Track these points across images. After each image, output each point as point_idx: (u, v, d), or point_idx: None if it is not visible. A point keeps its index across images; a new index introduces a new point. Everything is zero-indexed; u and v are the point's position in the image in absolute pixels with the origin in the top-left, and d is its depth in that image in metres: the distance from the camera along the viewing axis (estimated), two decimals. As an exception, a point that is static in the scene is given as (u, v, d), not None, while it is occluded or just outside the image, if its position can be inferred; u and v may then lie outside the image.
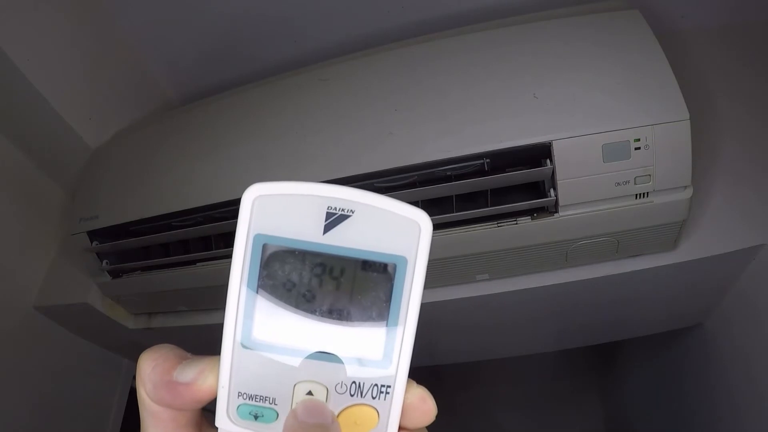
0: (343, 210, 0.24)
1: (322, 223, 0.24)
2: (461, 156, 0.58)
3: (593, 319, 0.87)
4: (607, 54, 0.59)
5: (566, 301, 0.77)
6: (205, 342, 0.90)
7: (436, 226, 0.62)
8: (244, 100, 0.74)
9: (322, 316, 0.24)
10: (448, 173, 0.60)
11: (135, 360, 1.00)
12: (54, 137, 0.81)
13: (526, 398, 1.63)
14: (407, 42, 0.70)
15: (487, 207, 0.60)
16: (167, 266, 0.74)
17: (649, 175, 0.56)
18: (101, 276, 0.78)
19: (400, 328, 0.24)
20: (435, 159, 0.58)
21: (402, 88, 0.64)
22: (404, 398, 0.24)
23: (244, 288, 0.24)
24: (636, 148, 0.55)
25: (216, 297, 0.78)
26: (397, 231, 0.24)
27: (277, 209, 0.24)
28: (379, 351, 0.24)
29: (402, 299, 0.24)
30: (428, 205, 0.61)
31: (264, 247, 0.24)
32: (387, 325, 0.24)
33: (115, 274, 0.78)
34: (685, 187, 0.58)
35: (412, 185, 0.61)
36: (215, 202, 0.65)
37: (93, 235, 0.73)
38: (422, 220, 0.24)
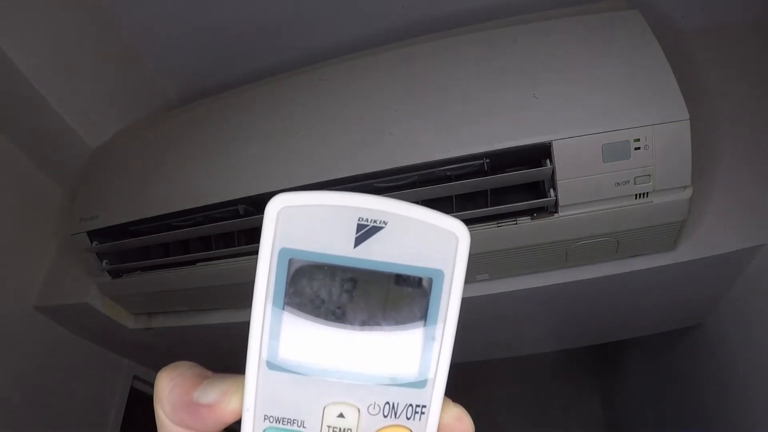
0: (375, 221, 0.23)
1: (353, 236, 0.22)
2: (461, 156, 0.58)
3: (593, 319, 0.87)
4: (607, 54, 0.59)
5: (566, 301, 0.77)
6: (205, 342, 0.90)
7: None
8: (244, 100, 0.74)
9: (352, 333, 0.23)
10: (448, 173, 0.60)
11: (135, 360, 1.00)
12: (54, 137, 0.81)
13: (526, 398, 1.63)
14: (407, 42, 0.70)
15: (487, 207, 0.60)
16: (167, 266, 0.74)
17: (649, 175, 0.56)
18: (101, 276, 0.78)
19: (436, 345, 0.23)
20: (435, 159, 0.58)
21: (402, 88, 0.64)
22: (440, 418, 0.23)
23: (270, 305, 0.23)
24: (636, 148, 0.55)
25: (216, 297, 0.78)
26: (433, 243, 0.23)
27: (303, 221, 0.23)
28: (414, 369, 0.23)
29: (438, 315, 0.23)
30: (428, 205, 0.61)
31: (290, 261, 0.23)
32: (422, 342, 0.23)
33: (115, 274, 0.78)
34: (685, 187, 0.58)
35: (412, 185, 0.61)
36: (215, 202, 0.65)
37: (93, 235, 0.73)
38: (460, 230, 0.23)
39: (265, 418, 0.23)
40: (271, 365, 0.23)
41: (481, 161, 0.58)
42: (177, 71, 0.93)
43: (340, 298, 0.23)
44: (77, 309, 0.84)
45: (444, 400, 0.23)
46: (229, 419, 0.23)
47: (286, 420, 0.23)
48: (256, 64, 0.90)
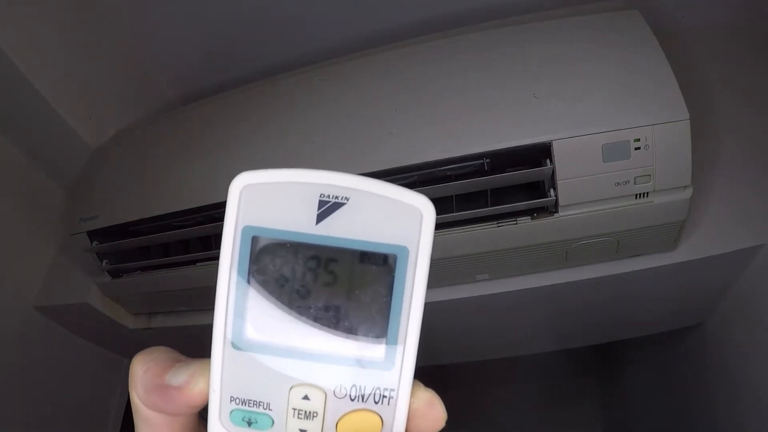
0: (337, 197, 0.22)
1: (315, 213, 0.22)
2: (461, 156, 0.58)
3: (593, 319, 0.87)
4: (607, 54, 0.59)
5: (566, 301, 0.77)
6: (205, 342, 0.90)
7: (437, 226, 0.62)
8: (244, 100, 0.74)
9: (317, 313, 0.22)
10: (448, 173, 0.60)
11: (135, 360, 0.97)
12: (54, 137, 0.81)
13: (526, 398, 1.63)
14: (407, 42, 0.70)
15: (487, 207, 0.60)
16: (167, 266, 0.74)
17: (649, 175, 0.56)
18: (101, 276, 0.78)
19: (402, 326, 0.22)
20: (435, 159, 0.58)
21: (402, 88, 0.64)
22: (410, 403, 0.23)
23: (234, 285, 0.23)
24: (636, 148, 0.55)
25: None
26: (397, 219, 0.22)
27: (266, 199, 0.22)
28: (380, 351, 0.22)
29: (404, 294, 0.22)
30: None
31: (253, 240, 0.22)
32: (389, 323, 0.22)
33: (115, 274, 0.78)
34: (685, 187, 0.58)
35: (412, 185, 0.61)
36: (215, 202, 0.66)
37: (93, 235, 0.73)
38: (424, 206, 0.22)
39: (231, 400, 0.23)
40: (236, 346, 0.23)
41: (481, 161, 0.58)
42: (177, 71, 0.93)
43: (303, 277, 0.22)
44: (77, 309, 0.84)
45: (415, 384, 0.23)
46: (198, 401, 0.23)
47: (251, 402, 0.23)
48: (256, 64, 0.90)
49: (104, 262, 0.75)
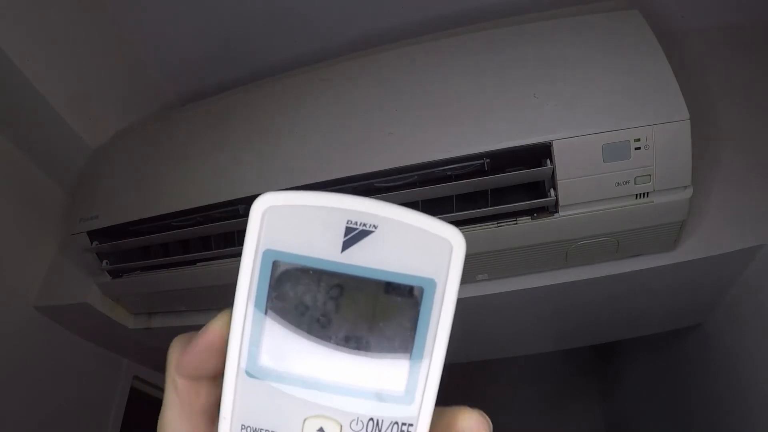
0: (364, 225, 0.21)
1: (341, 240, 0.21)
2: (461, 156, 0.58)
3: (593, 319, 0.87)
4: (607, 54, 0.59)
5: (566, 301, 0.77)
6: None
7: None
8: (244, 100, 0.74)
9: (337, 343, 0.21)
10: (448, 173, 0.60)
11: (135, 360, 1.00)
12: (54, 137, 0.81)
13: (526, 398, 1.63)
14: (407, 42, 0.70)
15: (487, 207, 0.60)
16: (167, 266, 0.74)
17: (649, 175, 0.56)
18: (101, 276, 0.78)
19: (425, 361, 0.21)
20: (435, 159, 0.58)
21: (402, 88, 0.64)
22: (459, 427, 0.22)
23: (251, 309, 0.22)
24: (636, 148, 0.55)
25: (216, 297, 0.78)
26: (426, 250, 0.21)
27: (290, 222, 0.21)
28: (401, 385, 0.21)
29: (429, 328, 0.21)
30: (428, 205, 0.61)
31: (274, 264, 0.22)
32: (411, 357, 0.21)
33: (115, 274, 0.78)
34: (685, 187, 0.58)
35: (412, 185, 0.61)
36: (215, 202, 0.65)
37: (93, 235, 0.73)
38: (454, 238, 0.21)
39: (242, 428, 0.22)
40: (251, 373, 0.22)
41: (481, 161, 0.58)
42: (177, 71, 0.93)
43: (325, 306, 0.22)
44: (77, 309, 0.84)
45: (460, 410, 0.22)
46: (216, 340, 0.23)
47: (263, 431, 0.22)
48: (256, 64, 0.90)
49: (104, 262, 0.75)
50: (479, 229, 0.61)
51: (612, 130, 0.55)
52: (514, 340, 0.97)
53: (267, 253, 0.22)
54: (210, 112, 0.76)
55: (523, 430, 1.58)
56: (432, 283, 0.21)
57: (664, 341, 1.06)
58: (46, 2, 0.75)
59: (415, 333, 0.21)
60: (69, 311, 0.86)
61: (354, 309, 0.22)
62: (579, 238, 0.63)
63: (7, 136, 0.83)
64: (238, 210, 0.65)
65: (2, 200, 0.83)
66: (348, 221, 0.21)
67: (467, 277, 0.71)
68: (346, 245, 0.21)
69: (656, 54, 0.57)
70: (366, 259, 0.21)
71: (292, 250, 0.21)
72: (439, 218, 0.21)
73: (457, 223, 0.65)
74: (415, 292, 0.21)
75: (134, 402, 1.03)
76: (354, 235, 0.21)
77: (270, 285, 0.22)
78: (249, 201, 0.56)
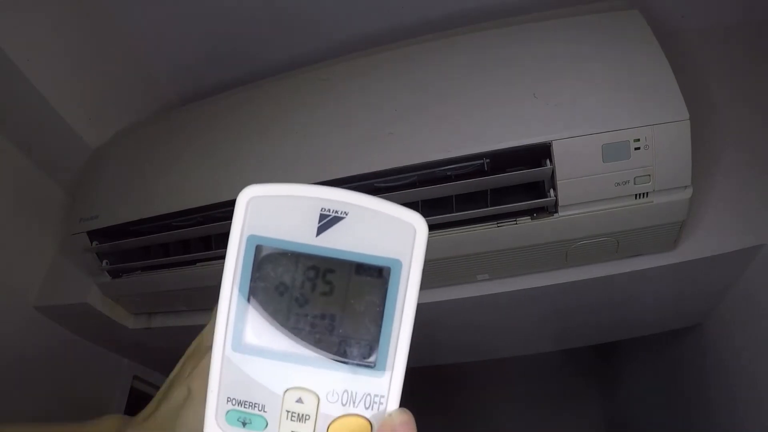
0: (336, 212, 0.24)
1: (316, 225, 0.24)
2: (461, 156, 0.58)
3: (593, 319, 0.87)
4: (607, 54, 0.59)
5: (566, 301, 0.77)
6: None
7: (437, 227, 0.62)
8: (244, 100, 0.74)
9: (314, 320, 0.24)
10: (448, 173, 0.60)
11: (135, 360, 1.00)
12: (54, 137, 0.81)
13: (526, 398, 1.63)
14: (407, 42, 0.70)
15: (487, 207, 0.60)
16: (167, 266, 0.74)
17: (649, 175, 0.56)
18: (101, 276, 0.78)
19: (394, 335, 0.24)
20: (435, 159, 0.58)
21: (402, 88, 0.64)
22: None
23: (236, 290, 0.24)
24: (636, 148, 0.55)
25: (216, 297, 0.78)
26: (392, 234, 0.23)
27: (271, 211, 0.24)
28: (372, 359, 0.24)
29: (396, 304, 0.23)
30: (428, 205, 0.61)
31: (257, 248, 0.24)
32: (381, 332, 0.24)
33: (115, 274, 0.78)
34: (685, 187, 0.58)
35: (412, 185, 0.61)
36: (215, 202, 0.65)
37: (93, 235, 0.73)
38: (417, 222, 0.24)
39: (228, 401, 0.24)
40: (236, 348, 0.24)
41: (481, 161, 0.58)
42: (177, 71, 0.93)
43: (302, 286, 0.24)
44: (77, 309, 0.84)
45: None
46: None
47: (247, 403, 0.24)
48: (256, 64, 0.90)
49: (104, 262, 0.75)
50: (479, 229, 0.62)
51: (612, 130, 0.55)
52: (514, 340, 0.97)
53: (251, 238, 0.24)
54: (210, 112, 0.76)
55: (523, 430, 1.58)
56: (398, 264, 0.23)
57: (663, 341, 1.06)
58: (46, 2, 0.75)
59: (383, 309, 0.23)
60: (69, 311, 0.86)
61: (328, 288, 0.24)
62: (579, 238, 0.63)
63: (7, 136, 0.83)
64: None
65: (2, 200, 0.83)
66: (322, 209, 0.24)
67: (467, 278, 0.71)
68: (321, 230, 0.24)
69: (656, 54, 0.57)
70: (338, 242, 0.23)
71: (272, 235, 0.24)
72: (405, 205, 0.24)
73: (457, 223, 0.65)
74: (384, 272, 0.24)
75: (134, 402, 1.03)
76: (327, 221, 0.24)
77: (253, 267, 0.24)
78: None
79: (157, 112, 0.93)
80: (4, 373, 0.82)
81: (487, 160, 0.58)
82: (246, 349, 0.24)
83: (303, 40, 0.87)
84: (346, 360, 0.24)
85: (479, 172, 0.59)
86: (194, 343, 0.31)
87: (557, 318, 0.85)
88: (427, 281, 0.71)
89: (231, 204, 0.71)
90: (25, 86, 0.73)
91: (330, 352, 0.24)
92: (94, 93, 0.83)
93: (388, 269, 0.23)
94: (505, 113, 0.58)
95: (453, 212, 0.60)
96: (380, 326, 0.23)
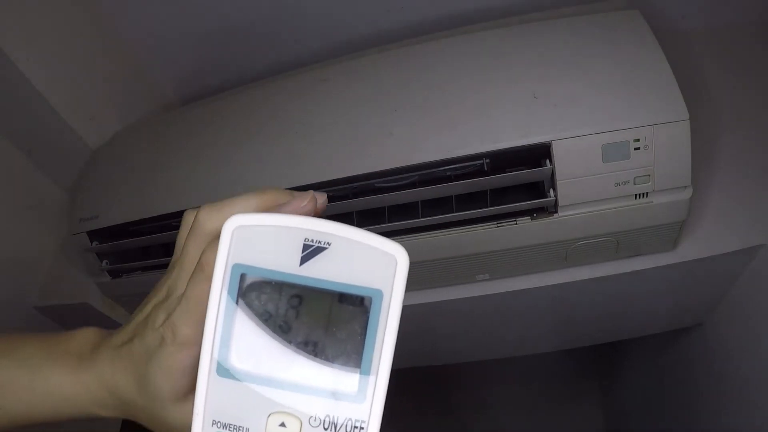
0: (319, 242, 0.24)
1: (299, 255, 0.24)
2: (461, 156, 0.58)
3: (593, 319, 0.87)
4: (607, 54, 0.59)
5: (566, 301, 0.77)
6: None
7: (437, 227, 0.62)
8: (244, 100, 0.74)
9: (297, 347, 0.24)
10: (448, 173, 0.60)
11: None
12: (54, 137, 0.81)
13: (526, 398, 1.63)
14: (407, 42, 0.70)
15: (487, 207, 0.60)
16: (167, 266, 0.74)
17: (649, 175, 0.56)
18: (101, 276, 0.78)
19: (375, 363, 0.24)
20: (435, 159, 0.58)
21: (402, 88, 0.64)
22: None
23: (222, 317, 0.25)
24: (636, 149, 0.55)
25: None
26: (374, 264, 0.24)
27: (256, 240, 0.25)
28: (353, 385, 0.24)
29: (377, 333, 0.24)
30: (428, 205, 0.61)
31: (242, 276, 0.25)
32: (362, 359, 0.24)
33: (115, 274, 0.78)
34: (685, 187, 0.58)
35: (412, 185, 0.61)
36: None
37: (93, 235, 0.73)
38: (399, 253, 0.24)
39: (213, 423, 0.24)
40: (221, 373, 0.25)
41: (481, 161, 0.58)
42: (177, 71, 0.93)
43: (286, 313, 0.24)
44: (77, 309, 0.84)
45: None
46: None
47: (232, 426, 0.24)
48: (256, 64, 0.90)
49: (104, 262, 0.75)
50: (479, 229, 0.62)
51: (612, 131, 0.55)
52: (514, 340, 0.97)
53: (236, 266, 0.25)
54: (210, 112, 0.76)
55: (523, 430, 1.58)
56: (379, 294, 0.24)
57: (664, 341, 1.06)
58: (46, 3, 0.75)
59: (365, 338, 0.24)
60: (69, 311, 0.86)
61: (311, 316, 0.24)
62: (579, 238, 0.63)
63: (7, 137, 0.83)
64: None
65: (2, 200, 0.83)
66: (305, 239, 0.24)
67: (467, 278, 0.71)
68: (304, 260, 0.24)
69: (656, 54, 0.57)
70: (321, 272, 0.24)
71: (257, 263, 0.25)
72: (389, 237, 0.24)
73: (457, 223, 0.65)
74: (365, 302, 0.24)
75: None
76: (310, 251, 0.24)
77: (238, 294, 0.25)
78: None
79: (157, 112, 0.93)
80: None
81: (487, 161, 0.58)
82: (231, 374, 0.24)
83: (303, 40, 0.87)
84: (326, 389, 0.24)
85: (479, 172, 0.59)
86: (187, 219, 0.31)
87: (557, 318, 0.85)
88: (427, 281, 0.71)
89: (231, 204, 0.69)
90: (25, 86, 0.73)
91: (312, 378, 0.24)
92: (94, 93, 0.83)
93: (370, 299, 0.24)
94: (505, 113, 0.58)
95: (453, 212, 0.60)
96: (361, 353, 0.24)
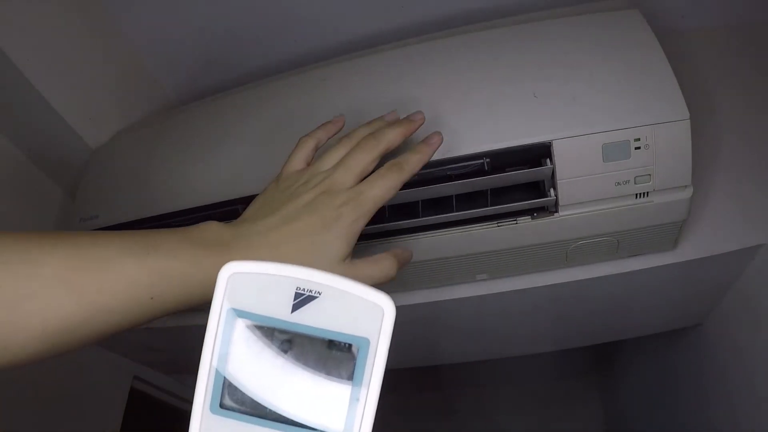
0: (310, 291, 0.26)
1: (291, 302, 0.26)
2: (461, 156, 0.58)
3: (593, 319, 0.87)
4: (607, 54, 0.59)
5: (566, 301, 0.77)
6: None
7: (437, 226, 0.62)
8: (244, 100, 0.74)
9: (288, 388, 0.26)
10: (448, 173, 0.60)
11: (135, 360, 1.00)
12: (54, 137, 0.81)
13: (526, 398, 1.63)
14: (407, 42, 0.70)
15: (487, 207, 0.60)
16: (167, 266, 0.74)
17: (649, 174, 0.56)
18: (101, 276, 0.78)
19: (360, 405, 0.26)
20: (435, 159, 0.58)
21: (402, 88, 0.64)
22: None
23: (216, 358, 0.26)
24: (636, 148, 0.55)
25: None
26: (362, 314, 0.26)
27: (250, 286, 0.26)
28: (340, 426, 0.26)
29: (363, 378, 0.26)
30: (428, 205, 0.61)
31: (236, 321, 0.26)
32: (349, 402, 0.26)
33: (115, 274, 0.77)
34: (685, 186, 0.58)
35: (411, 185, 0.61)
36: (215, 202, 0.65)
37: (93, 235, 0.73)
38: (386, 304, 0.26)
39: None
40: (214, 410, 0.26)
41: (481, 161, 0.58)
42: (177, 71, 0.93)
43: (277, 357, 0.26)
44: (77, 309, 0.84)
45: None
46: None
47: None
48: (256, 64, 0.90)
49: (104, 262, 0.75)
50: (479, 229, 0.62)
51: (612, 130, 0.55)
52: (513, 340, 0.97)
53: (230, 311, 0.26)
54: (209, 112, 0.76)
55: (523, 430, 1.58)
56: (366, 342, 0.26)
57: (664, 342, 1.06)
58: (46, 2, 0.75)
59: (352, 382, 0.26)
60: (69, 311, 0.86)
61: (301, 360, 0.26)
62: (579, 238, 0.63)
63: (7, 136, 0.83)
64: (238, 210, 0.65)
65: (2, 200, 0.83)
66: (297, 287, 0.26)
67: (467, 278, 0.71)
68: (296, 307, 0.26)
69: (656, 54, 0.57)
70: (312, 320, 0.26)
71: (251, 309, 0.26)
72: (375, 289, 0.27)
73: (457, 223, 0.65)
74: (353, 349, 0.26)
75: (134, 402, 1.03)
76: (302, 299, 0.26)
77: (232, 337, 0.27)
78: (248, 201, 0.55)
79: (157, 112, 0.93)
80: (4, 373, 0.82)
81: (487, 160, 0.58)
82: (223, 412, 0.26)
83: (303, 40, 0.87)
84: (315, 427, 0.26)
85: (479, 171, 0.59)
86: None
87: (557, 318, 0.85)
88: (427, 281, 0.71)
89: (231, 204, 0.70)
90: (25, 86, 0.73)
91: (301, 419, 0.26)
92: (94, 93, 0.83)
93: (357, 346, 0.26)
94: (505, 113, 0.58)
95: (453, 212, 0.60)
96: (349, 397, 0.26)
